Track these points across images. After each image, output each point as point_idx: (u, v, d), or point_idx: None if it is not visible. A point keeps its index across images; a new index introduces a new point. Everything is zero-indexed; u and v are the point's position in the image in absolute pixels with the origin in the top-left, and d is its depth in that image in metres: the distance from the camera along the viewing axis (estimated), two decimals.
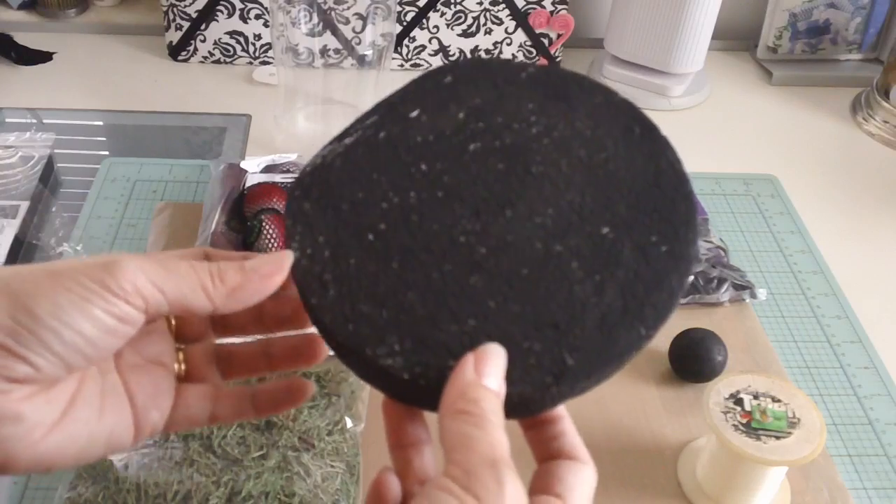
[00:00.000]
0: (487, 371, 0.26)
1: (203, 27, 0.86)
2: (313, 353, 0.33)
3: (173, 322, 0.33)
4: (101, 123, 0.81)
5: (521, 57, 0.90)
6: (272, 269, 0.29)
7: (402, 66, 0.89)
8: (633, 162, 0.31)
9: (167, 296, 0.28)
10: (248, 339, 0.34)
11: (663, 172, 0.31)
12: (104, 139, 0.80)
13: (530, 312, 0.27)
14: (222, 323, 0.34)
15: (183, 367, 0.33)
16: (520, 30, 0.88)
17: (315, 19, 0.75)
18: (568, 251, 0.29)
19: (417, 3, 0.85)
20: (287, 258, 0.30)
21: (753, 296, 0.64)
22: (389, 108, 0.34)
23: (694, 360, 0.56)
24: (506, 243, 0.29)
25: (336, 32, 0.77)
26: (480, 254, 0.29)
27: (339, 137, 0.33)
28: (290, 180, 0.67)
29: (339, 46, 0.77)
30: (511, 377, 0.26)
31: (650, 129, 0.33)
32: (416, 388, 0.27)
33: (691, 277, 0.64)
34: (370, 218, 0.30)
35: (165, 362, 0.32)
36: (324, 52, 0.76)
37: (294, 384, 0.33)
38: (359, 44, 0.76)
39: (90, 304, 0.26)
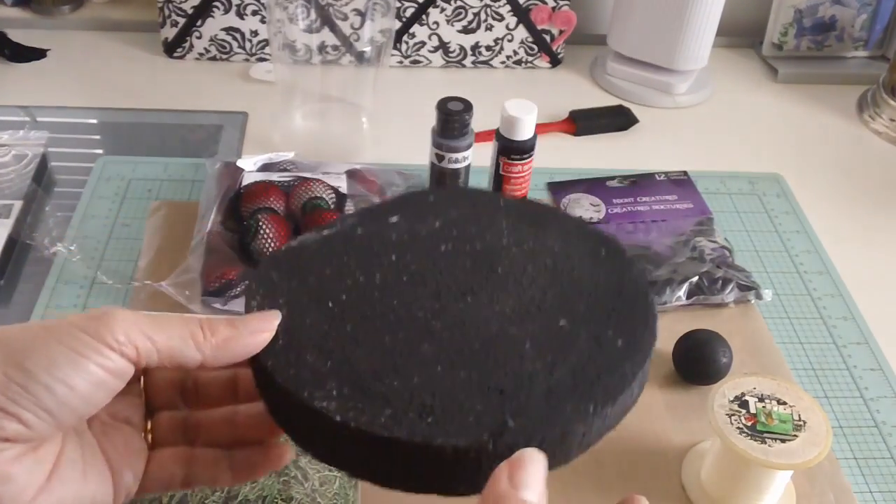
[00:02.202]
0: (524, 480, 0.24)
1: (199, 23, 0.85)
2: (274, 430, 0.32)
3: (142, 384, 0.33)
4: (95, 121, 0.81)
5: (522, 53, 0.89)
6: (261, 326, 0.30)
7: (401, 62, 0.88)
8: (598, 275, 0.32)
9: (158, 346, 0.28)
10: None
11: (626, 283, 0.32)
12: (98, 137, 0.80)
13: (477, 378, 0.27)
14: (194, 393, 0.34)
15: (150, 436, 0.33)
16: (521, 26, 0.87)
17: (313, 15, 0.74)
18: (523, 333, 0.29)
19: None
20: (275, 317, 0.30)
21: (759, 296, 0.63)
22: (370, 212, 0.35)
23: (698, 362, 0.56)
24: (462, 321, 0.29)
25: (334, 29, 0.76)
26: (435, 327, 0.29)
27: (318, 230, 0.35)
28: (287, 179, 0.66)
29: (338, 43, 0.76)
30: (447, 430, 0.26)
31: (617, 252, 0.34)
32: (346, 434, 0.26)
33: (695, 278, 0.63)
34: (333, 290, 0.31)
35: (135, 423, 0.32)
36: (322, 48, 0.76)
37: (272, 450, 0.33)
38: (357, 40, 0.75)
39: (84, 357, 0.27)
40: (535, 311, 0.30)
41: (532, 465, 0.25)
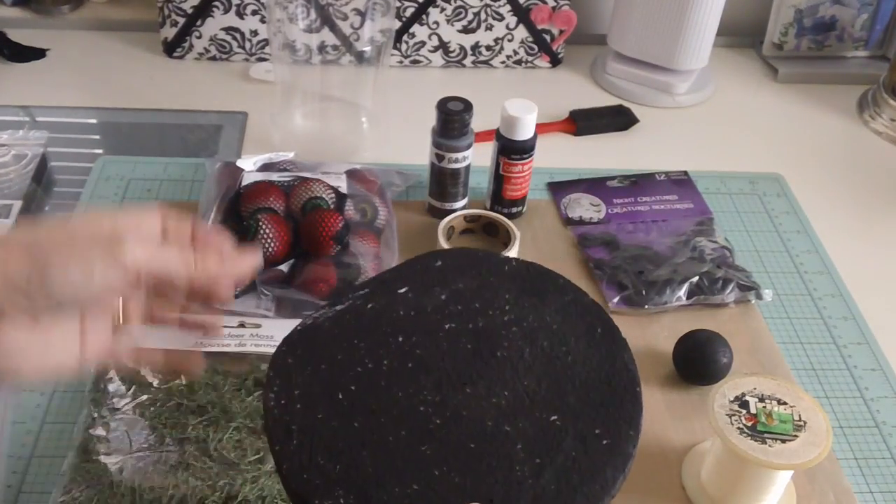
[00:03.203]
0: None
1: (198, 23, 0.85)
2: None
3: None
4: (95, 121, 0.81)
5: (522, 53, 0.89)
6: (242, 264, 0.36)
7: (401, 62, 0.88)
8: (591, 358, 0.34)
9: (156, 271, 0.34)
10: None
11: (617, 372, 0.34)
12: (98, 137, 0.80)
13: (470, 485, 0.30)
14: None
15: (120, 316, 0.39)
16: (521, 26, 0.87)
17: (313, 15, 0.74)
18: (515, 432, 0.32)
19: None
20: (255, 257, 0.36)
21: (759, 297, 0.63)
22: (381, 284, 0.38)
23: (698, 362, 0.56)
24: (460, 417, 0.32)
25: (334, 28, 0.76)
26: (435, 423, 0.32)
27: (332, 304, 0.37)
28: (287, 179, 0.66)
29: (338, 43, 0.76)
30: None
31: (611, 331, 0.36)
32: None
33: (696, 278, 0.63)
34: (344, 378, 0.34)
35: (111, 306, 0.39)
36: (321, 48, 0.76)
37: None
38: (357, 40, 0.75)
39: (96, 273, 0.33)
40: (529, 404, 0.33)
41: None
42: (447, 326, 0.35)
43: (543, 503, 0.30)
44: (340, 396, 0.33)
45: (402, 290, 0.37)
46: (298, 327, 0.36)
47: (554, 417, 0.32)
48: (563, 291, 0.38)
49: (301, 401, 0.33)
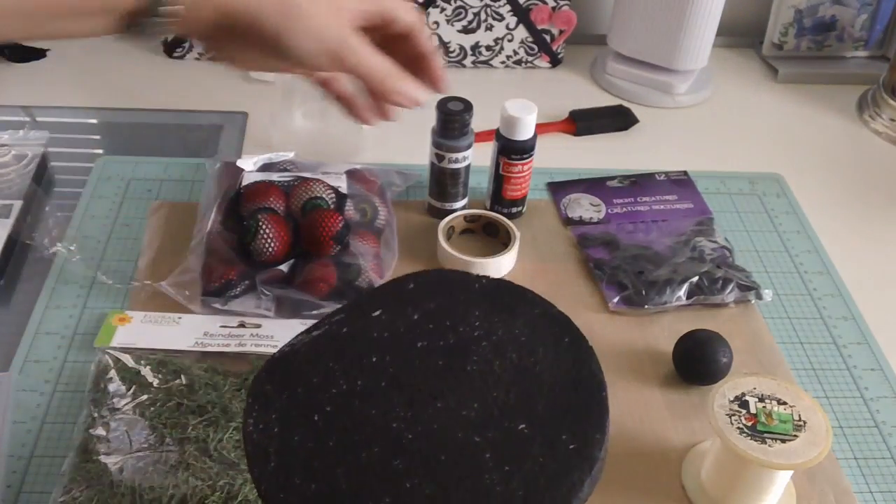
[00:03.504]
0: None
1: None
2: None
3: None
4: (95, 121, 0.81)
5: (522, 53, 0.89)
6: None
7: None
8: (558, 367, 0.35)
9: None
10: None
11: (584, 379, 0.35)
12: (98, 137, 0.80)
13: (440, 495, 0.31)
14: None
15: None
16: (521, 26, 0.87)
17: None
18: (485, 442, 0.33)
19: (417, 0, 0.84)
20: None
21: (759, 296, 0.63)
22: (355, 308, 0.39)
23: (698, 362, 0.56)
24: (431, 430, 0.33)
25: None
26: (407, 438, 0.33)
27: (308, 330, 0.39)
28: (287, 179, 0.66)
29: None
30: None
31: (579, 340, 0.38)
32: None
33: (696, 278, 0.63)
34: (319, 401, 0.35)
35: None
36: None
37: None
38: None
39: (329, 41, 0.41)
40: (498, 415, 0.34)
41: None
42: (419, 345, 0.37)
43: None
44: (316, 418, 0.34)
45: (376, 314, 0.38)
46: (276, 354, 0.38)
47: (522, 426, 0.33)
48: (532, 305, 0.39)
49: (278, 424, 0.34)
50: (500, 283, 0.40)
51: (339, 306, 0.40)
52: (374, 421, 0.34)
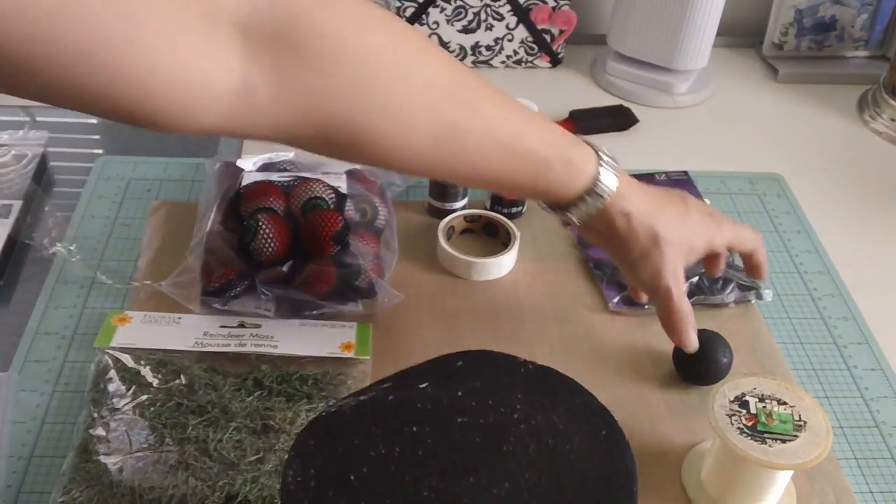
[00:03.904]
0: None
1: None
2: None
3: None
4: (94, 121, 0.81)
5: (522, 53, 0.89)
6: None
7: None
8: (592, 457, 0.36)
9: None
10: None
11: (616, 471, 0.36)
12: (98, 137, 0.80)
13: None
14: None
15: None
16: (521, 26, 0.87)
17: None
18: None
19: None
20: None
21: (759, 297, 0.63)
22: (404, 378, 0.41)
23: (698, 363, 0.56)
24: (460, 503, 0.34)
25: None
26: None
27: (356, 394, 0.40)
28: (287, 179, 0.66)
29: None
30: None
31: (615, 433, 0.38)
32: None
33: (696, 278, 0.63)
34: (357, 462, 0.36)
35: None
36: None
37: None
38: None
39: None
40: (528, 497, 0.34)
41: None
42: (459, 420, 0.38)
43: None
44: (352, 478, 0.35)
45: (423, 385, 0.39)
46: (323, 413, 0.39)
47: None
48: (574, 394, 0.40)
49: (316, 480, 0.35)
50: (546, 369, 0.41)
51: (386, 378, 0.41)
52: (407, 488, 0.35)
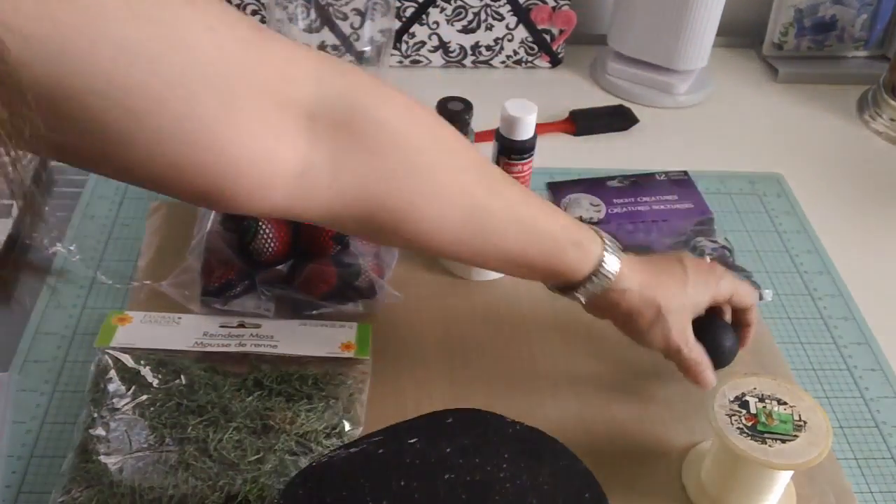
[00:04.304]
0: None
1: None
2: None
3: None
4: None
5: (522, 53, 0.89)
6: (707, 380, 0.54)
7: (401, 62, 0.88)
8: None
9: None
10: None
11: None
12: None
13: None
14: None
15: None
16: (521, 26, 0.87)
17: (312, 15, 0.74)
18: None
19: None
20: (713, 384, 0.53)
21: (759, 297, 0.63)
22: (394, 433, 0.42)
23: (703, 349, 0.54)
24: None
25: (334, 28, 0.76)
26: None
27: (347, 446, 0.41)
28: None
29: (337, 42, 0.76)
30: None
31: (598, 497, 0.40)
32: None
33: None
34: None
35: None
36: (321, 48, 0.75)
37: None
38: (357, 40, 0.75)
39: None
40: None
41: None
42: (446, 476, 0.39)
43: None
44: None
45: (412, 441, 0.40)
46: (313, 463, 0.40)
47: None
48: (559, 457, 0.41)
49: None
50: (533, 431, 0.42)
51: (377, 433, 0.42)
52: None
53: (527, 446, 0.41)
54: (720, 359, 0.54)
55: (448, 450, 0.40)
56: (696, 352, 0.53)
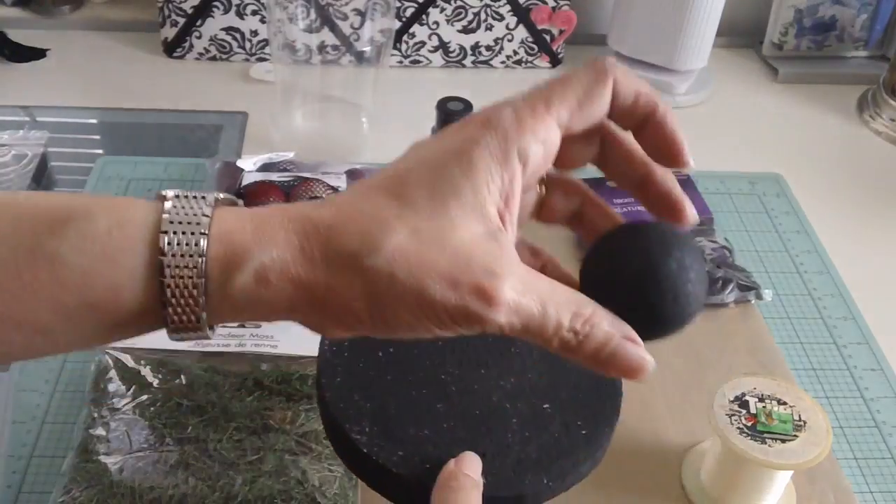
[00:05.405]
0: (465, 467, 0.35)
1: (199, 23, 0.85)
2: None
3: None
4: (95, 121, 0.81)
5: (522, 53, 0.89)
6: (632, 366, 0.31)
7: (401, 62, 0.88)
8: (586, 369, 0.38)
9: (527, 323, 0.29)
10: None
11: (606, 384, 0.40)
12: (98, 137, 0.80)
13: (470, 439, 0.37)
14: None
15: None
16: (521, 26, 0.87)
17: (313, 15, 0.74)
18: (513, 410, 0.38)
19: None
20: (647, 368, 0.31)
21: (759, 297, 0.63)
22: None
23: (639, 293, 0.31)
24: (472, 389, 0.39)
25: (334, 28, 0.76)
26: (451, 390, 0.39)
27: None
28: (287, 179, 0.66)
29: (337, 43, 0.76)
30: (432, 474, 0.35)
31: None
32: (369, 462, 0.36)
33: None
34: (386, 342, 0.40)
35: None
36: (321, 48, 0.76)
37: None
38: (357, 40, 0.75)
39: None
40: (529, 392, 0.39)
41: (471, 460, 0.35)
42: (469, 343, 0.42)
43: (524, 465, 0.36)
44: (380, 354, 0.40)
45: None
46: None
47: (546, 406, 0.39)
48: None
49: (349, 351, 0.40)
50: None
51: None
52: (427, 369, 0.39)
53: None
54: (665, 314, 0.30)
55: None
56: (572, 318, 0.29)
